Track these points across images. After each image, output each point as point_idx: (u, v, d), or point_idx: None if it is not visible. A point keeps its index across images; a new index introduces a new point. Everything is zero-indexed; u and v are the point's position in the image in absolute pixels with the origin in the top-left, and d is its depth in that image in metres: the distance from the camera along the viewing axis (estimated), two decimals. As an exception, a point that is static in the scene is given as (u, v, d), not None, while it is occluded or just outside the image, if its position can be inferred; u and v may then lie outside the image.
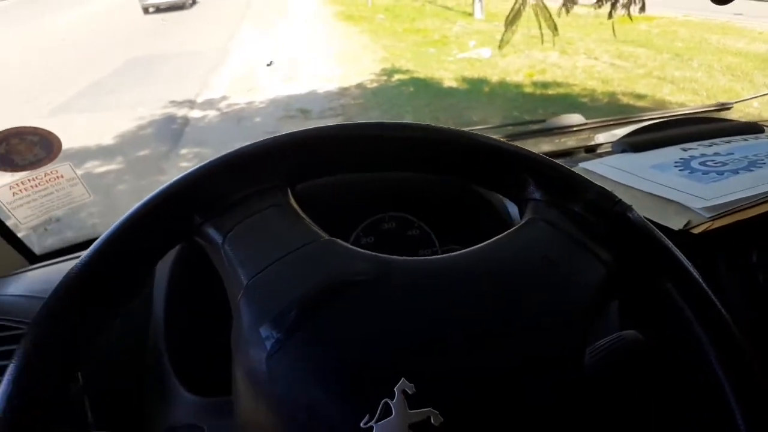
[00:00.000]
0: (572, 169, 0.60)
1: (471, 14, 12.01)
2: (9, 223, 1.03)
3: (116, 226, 0.50)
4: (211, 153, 3.74)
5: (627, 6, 3.25)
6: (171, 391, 0.76)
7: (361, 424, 0.42)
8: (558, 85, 6.85)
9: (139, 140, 6.11)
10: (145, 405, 0.78)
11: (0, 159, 0.89)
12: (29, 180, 0.92)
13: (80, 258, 0.48)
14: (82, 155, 5.62)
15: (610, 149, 1.30)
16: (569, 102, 6.28)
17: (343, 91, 7.51)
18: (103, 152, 5.67)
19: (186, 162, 5.34)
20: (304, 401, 0.43)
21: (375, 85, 7.70)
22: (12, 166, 0.90)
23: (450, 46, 9.61)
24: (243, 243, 0.50)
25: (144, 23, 17.24)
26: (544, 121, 1.48)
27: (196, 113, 7.05)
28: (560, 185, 0.58)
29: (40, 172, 0.92)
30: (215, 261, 0.51)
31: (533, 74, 7.25)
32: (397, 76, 7.92)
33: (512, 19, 2.98)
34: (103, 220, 3.64)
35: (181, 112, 7.07)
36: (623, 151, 1.19)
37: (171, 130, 6.48)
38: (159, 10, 19.25)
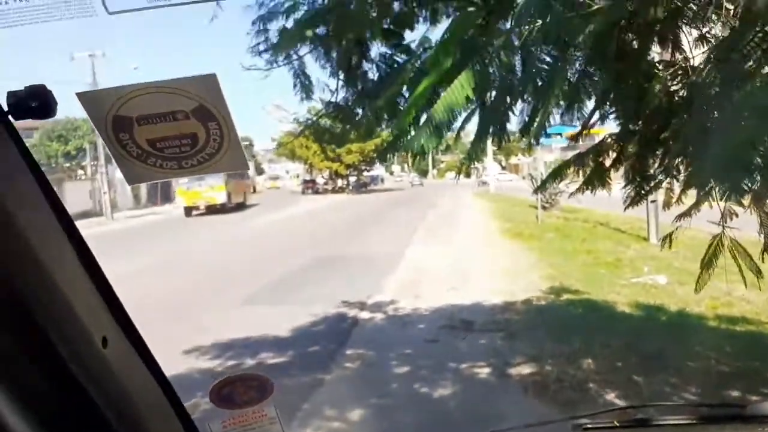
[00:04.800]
0: None
1: (646, 239, 11.79)
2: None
3: None
4: (373, 356, 3.88)
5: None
6: None
7: None
8: (747, 321, 6.24)
9: (310, 336, 6.53)
10: None
11: (222, 399, 1.04)
12: (239, 416, 1.05)
13: None
14: (259, 345, 6.13)
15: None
16: (765, 343, 5.67)
17: (507, 306, 7.52)
18: (277, 344, 6.13)
19: (350, 363, 5.56)
20: None
21: (542, 302, 7.63)
22: (230, 405, 1.05)
23: (623, 269, 9.39)
24: None
25: (334, 226, 19.37)
26: (744, 406, 1.35)
27: (365, 314, 7.45)
28: None
29: (249, 410, 1.06)
30: None
31: (717, 306, 6.72)
32: (565, 296, 7.81)
33: (708, 262, 2.87)
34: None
35: (352, 312, 7.52)
36: None
37: (341, 328, 6.87)
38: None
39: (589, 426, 1.28)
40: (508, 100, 2.52)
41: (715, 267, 2.94)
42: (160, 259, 13.10)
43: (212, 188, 27.86)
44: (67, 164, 33.96)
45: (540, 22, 2.00)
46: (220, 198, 28.41)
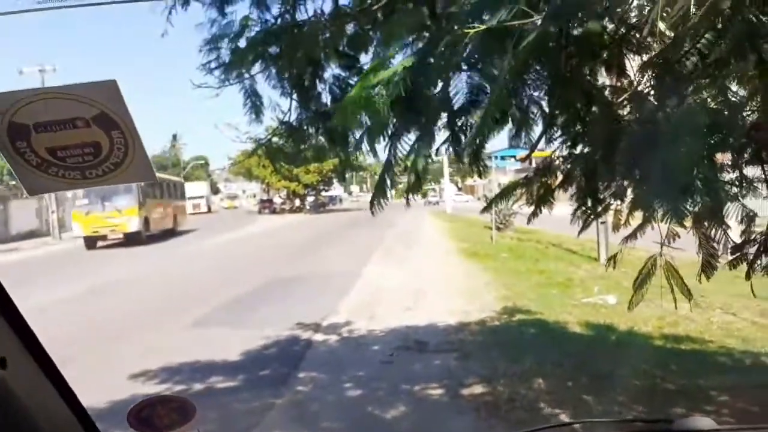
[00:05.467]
0: None
1: (596, 259, 12.06)
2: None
3: None
4: (326, 379, 3.83)
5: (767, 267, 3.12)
6: None
7: None
8: (692, 340, 6.43)
9: (262, 359, 6.39)
10: None
11: (141, 422, 0.99)
12: (161, 441, 1.00)
13: None
14: (209, 369, 5.96)
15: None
16: (708, 361, 5.83)
17: (462, 326, 7.54)
18: (227, 368, 5.98)
19: (302, 386, 5.45)
20: None
21: (495, 323, 7.68)
22: (149, 429, 1.00)
23: (574, 289, 9.56)
24: None
25: (294, 246, 19.19)
26: (671, 421, 1.38)
27: (319, 336, 7.34)
28: None
29: (171, 435, 1.01)
30: None
31: (663, 326, 6.90)
32: (518, 316, 7.89)
33: (641, 282, 2.95)
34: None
35: (305, 334, 7.40)
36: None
37: (293, 351, 6.75)
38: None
39: None
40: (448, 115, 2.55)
41: (648, 286, 3.03)
42: (106, 280, 12.70)
43: (120, 212, 22.09)
44: (14, 182, 32.60)
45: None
46: (132, 225, 22.46)
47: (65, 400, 0.91)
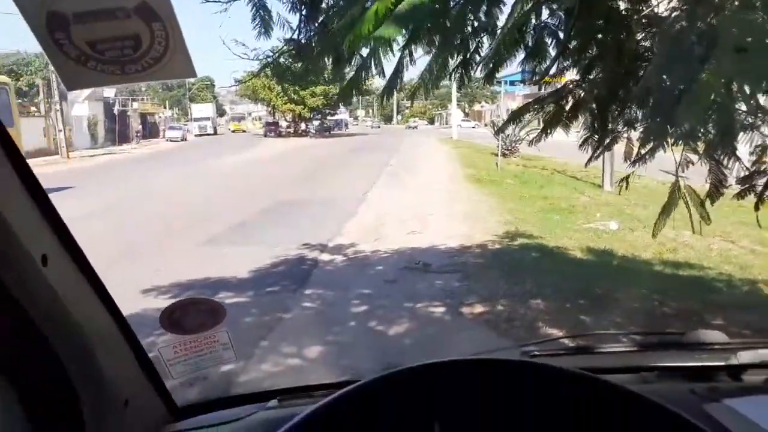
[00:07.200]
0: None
1: (600, 185, 12.08)
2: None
3: None
4: (332, 296, 3.91)
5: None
6: None
7: None
8: (690, 266, 6.54)
9: (271, 276, 6.55)
10: None
11: (172, 323, 1.04)
12: (190, 341, 1.05)
13: None
14: (219, 286, 6.12)
15: (758, 378, 1.24)
16: (704, 285, 5.94)
17: (464, 249, 7.66)
18: (237, 285, 6.14)
19: (309, 302, 5.61)
20: None
21: (497, 246, 7.79)
22: (180, 330, 1.05)
23: (576, 215, 9.63)
24: None
25: (299, 170, 19.18)
26: (682, 333, 1.43)
27: (325, 257, 7.49)
28: None
29: (201, 335, 1.06)
30: None
31: (663, 252, 7.01)
32: (520, 240, 7.99)
33: (666, 209, 2.94)
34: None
35: (312, 254, 7.55)
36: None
37: (301, 270, 6.90)
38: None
39: (537, 353, 1.35)
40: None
41: (673, 213, 3.01)
42: (121, 197, 12.80)
43: None
44: (19, 100, 32.03)
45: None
46: None
47: (100, 298, 0.94)
